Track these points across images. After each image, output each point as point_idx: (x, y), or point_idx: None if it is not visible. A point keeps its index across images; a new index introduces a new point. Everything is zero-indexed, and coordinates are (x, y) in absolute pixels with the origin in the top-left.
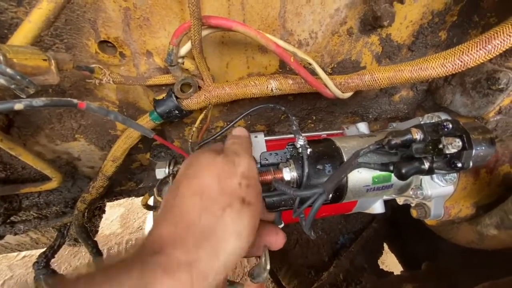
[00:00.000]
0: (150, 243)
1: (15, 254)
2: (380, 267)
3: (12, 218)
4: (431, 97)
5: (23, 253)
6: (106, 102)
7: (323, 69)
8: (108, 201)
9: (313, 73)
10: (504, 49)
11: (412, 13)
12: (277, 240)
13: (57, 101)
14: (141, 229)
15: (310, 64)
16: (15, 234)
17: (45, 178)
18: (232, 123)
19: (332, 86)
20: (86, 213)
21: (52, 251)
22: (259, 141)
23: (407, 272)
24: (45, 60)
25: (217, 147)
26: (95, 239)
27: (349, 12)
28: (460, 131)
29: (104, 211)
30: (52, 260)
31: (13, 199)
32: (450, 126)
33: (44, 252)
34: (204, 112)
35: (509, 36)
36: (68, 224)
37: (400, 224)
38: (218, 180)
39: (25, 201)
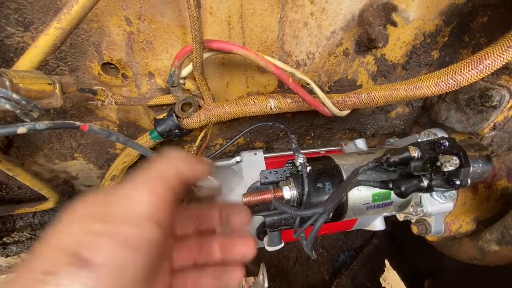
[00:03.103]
0: None
1: (3, 276)
2: (382, 285)
3: (4, 239)
4: (427, 113)
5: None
6: (106, 121)
7: (320, 87)
8: None
9: (311, 92)
10: (495, 69)
11: (404, 35)
12: (245, 251)
13: (60, 124)
14: None
15: (308, 83)
16: (7, 256)
17: (41, 198)
18: (232, 141)
19: (330, 105)
20: None
21: None
22: (258, 158)
23: None
24: (49, 84)
25: None
26: None
27: (344, 34)
28: (456, 149)
29: None
30: None
31: (7, 220)
32: (447, 143)
33: None
34: (204, 131)
35: (499, 56)
36: None
37: (401, 240)
38: (60, 227)
39: (19, 221)
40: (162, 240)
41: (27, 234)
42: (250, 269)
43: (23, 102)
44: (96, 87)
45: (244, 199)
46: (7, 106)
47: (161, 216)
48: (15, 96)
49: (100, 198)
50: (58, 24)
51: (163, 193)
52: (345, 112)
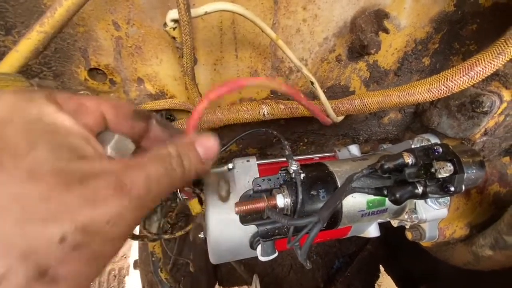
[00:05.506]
0: None
1: None
2: None
3: None
4: (419, 119)
5: None
6: None
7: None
8: None
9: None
10: (485, 76)
11: (396, 42)
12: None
13: None
14: (125, 257)
15: (312, 83)
16: None
17: None
18: (224, 148)
19: (330, 109)
20: None
21: None
22: (252, 165)
23: None
24: (28, 87)
25: None
26: None
27: (337, 41)
28: (450, 155)
29: None
30: None
31: None
32: (441, 150)
33: None
34: None
35: (490, 63)
36: None
37: (395, 245)
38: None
39: None
40: None
41: None
42: (244, 278)
43: None
44: (82, 93)
45: (236, 208)
46: None
47: None
48: None
49: None
50: (41, 27)
51: None
52: (339, 118)
